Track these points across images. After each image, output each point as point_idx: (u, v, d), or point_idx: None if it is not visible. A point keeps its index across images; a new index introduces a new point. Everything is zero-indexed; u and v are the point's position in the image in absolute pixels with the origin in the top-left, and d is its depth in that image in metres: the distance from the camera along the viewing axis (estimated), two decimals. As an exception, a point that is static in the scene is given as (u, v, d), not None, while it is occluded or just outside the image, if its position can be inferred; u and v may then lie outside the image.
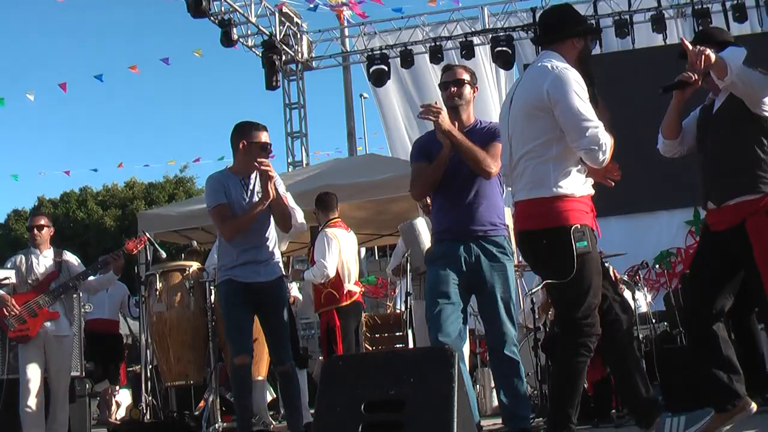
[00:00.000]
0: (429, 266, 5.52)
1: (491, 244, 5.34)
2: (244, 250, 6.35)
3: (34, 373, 7.64)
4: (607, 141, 4.45)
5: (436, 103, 5.23)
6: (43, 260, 7.97)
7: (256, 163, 6.19)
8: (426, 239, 6.97)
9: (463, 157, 5.23)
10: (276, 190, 6.27)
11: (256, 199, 6.33)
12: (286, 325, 6.50)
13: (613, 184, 4.85)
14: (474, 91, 5.66)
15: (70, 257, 8.16)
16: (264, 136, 6.43)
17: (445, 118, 5.17)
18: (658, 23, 15.19)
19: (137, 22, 72.50)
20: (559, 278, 4.52)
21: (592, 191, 4.71)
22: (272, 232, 6.55)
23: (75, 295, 8.28)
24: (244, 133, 6.41)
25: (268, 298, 6.39)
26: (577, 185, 4.57)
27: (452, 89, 5.52)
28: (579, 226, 4.49)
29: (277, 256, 6.56)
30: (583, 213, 4.55)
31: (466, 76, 5.58)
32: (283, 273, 6.59)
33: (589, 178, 4.70)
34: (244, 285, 6.32)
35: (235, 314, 6.34)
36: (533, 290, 8.87)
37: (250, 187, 6.40)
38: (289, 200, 6.99)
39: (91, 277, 8.04)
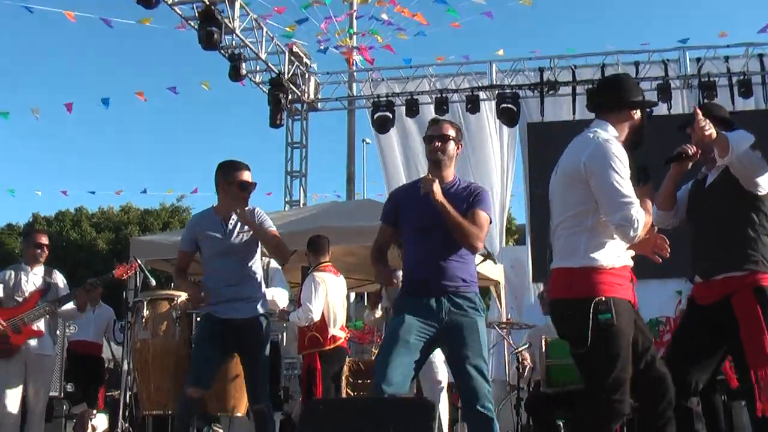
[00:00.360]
0: (396, 315, 5.42)
1: (462, 299, 5.28)
2: (226, 287, 6.39)
3: (12, 390, 7.60)
4: (640, 218, 4.38)
5: (429, 175, 5.20)
6: (33, 277, 7.96)
7: (235, 212, 6.33)
8: None
9: (450, 230, 5.21)
10: (263, 229, 6.40)
11: (233, 238, 6.46)
12: (264, 364, 6.47)
13: (661, 260, 4.84)
14: (458, 148, 5.58)
15: (59, 278, 8.14)
16: (245, 175, 6.47)
17: (438, 191, 5.12)
18: (664, 92, 15.26)
19: (147, 49, 72.83)
20: (577, 349, 4.50)
21: (629, 263, 4.63)
22: (258, 269, 6.59)
23: (69, 321, 8.27)
24: (224, 172, 6.49)
25: (248, 335, 6.41)
26: (611, 257, 4.50)
27: (436, 144, 5.48)
28: (603, 299, 4.41)
29: (260, 294, 6.58)
30: (615, 285, 4.48)
31: (451, 132, 5.52)
32: (265, 311, 6.57)
33: (629, 251, 4.62)
34: (222, 320, 6.38)
35: (204, 347, 6.42)
36: (519, 349, 8.88)
37: (229, 227, 6.47)
38: (277, 283, 7.15)
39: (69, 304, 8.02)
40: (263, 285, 6.71)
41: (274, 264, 7.92)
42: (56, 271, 8.23)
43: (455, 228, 5.19)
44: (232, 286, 6.41)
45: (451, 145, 5.50)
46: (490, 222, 5.45)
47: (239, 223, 6.44)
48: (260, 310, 6.50)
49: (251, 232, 6.43)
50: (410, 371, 5.16)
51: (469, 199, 5.39)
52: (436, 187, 5.12)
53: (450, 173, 5.54)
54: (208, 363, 6.37)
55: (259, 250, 6.61)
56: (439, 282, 5.27)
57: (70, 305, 8.00)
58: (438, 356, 7.64)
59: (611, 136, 4.59)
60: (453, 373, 5.33)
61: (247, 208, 6.49)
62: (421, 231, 5.38)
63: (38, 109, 16.64)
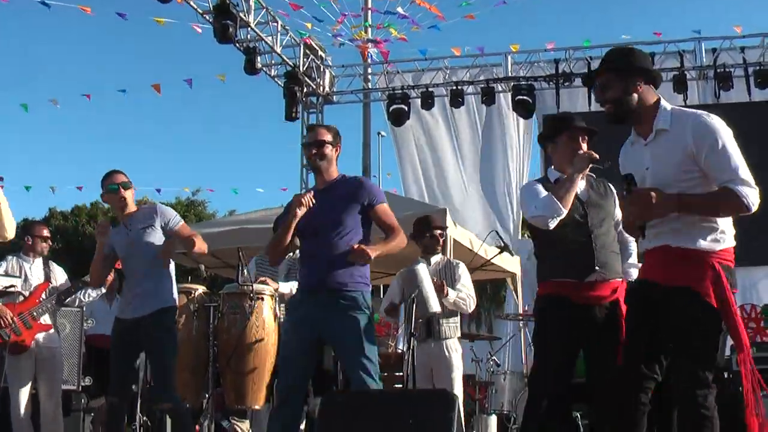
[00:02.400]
0: (287, 315, 5.90)
1: (345, 299, 5.48)
2: (129, 286, 6.72)
3: (24, 387, 7.60)
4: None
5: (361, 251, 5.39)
6: (36, 269, 7.96)
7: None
8: (428, 285, 6.96)
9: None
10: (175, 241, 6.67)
11: (129, 239, 6.67)
12: (166, 361, 6.51)
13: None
14: (337, 150, 5.89)
15: (56, 268, 8.16)
16: (111, 180, 6.75)
17: (371, 254, 5.37)
18: (680, 84, 15.21)
19: (162, 43, 72.92)
20: None
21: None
22: (160, 266, 6.69)
23: (77, 309, 8.27)
24: (101, 184, 6.83)
25: (145, 332, 6.51)
26: None
27: (313, 150, 5.77)
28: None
29: (160, 289, 6.66)
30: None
31: (327, 137, 5.81)
32: (167, 306, 6.66)
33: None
34: (121, 321, 6.64)
35: (113, 353, 6.65)
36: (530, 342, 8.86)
37: (128, 228, 6.72)
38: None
39: (94, 292, 8.06)
40: (167, 280, 6.79)
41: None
42: (52, 262, 8.25)
43: (391, 252, 5.59)
44: (134, 285, 6.64)
45: (328, 149, 5.81)
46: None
47: (137, 223, 6.69)
48: (158, 305, 6.58)
49: (149, 229, 6.64)
50: (308, 371, 5.57)
51: (362, 197, 5.67)
52: (370, 252, 5.36)
53: (333, 172, 5.86)
54: (119, 369, 6.58)
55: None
56: (323, 281, 5.51)
57: (95, 294, 8.06)
58: (454, 347, 7.67)
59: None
60: (342, 367, 5.75)
61: (142, 208, 6.87)
62: (312, 231, 5.63)
63: (56, 100, 16.70)
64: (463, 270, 7.83)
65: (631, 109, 4.45)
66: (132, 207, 6.80)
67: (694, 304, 4.19)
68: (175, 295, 6.80)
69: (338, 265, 5.48)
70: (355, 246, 5.35)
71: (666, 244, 4.30)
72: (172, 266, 6.81)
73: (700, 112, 4.44)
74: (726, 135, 4.28)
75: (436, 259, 7.87)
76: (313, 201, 5.56)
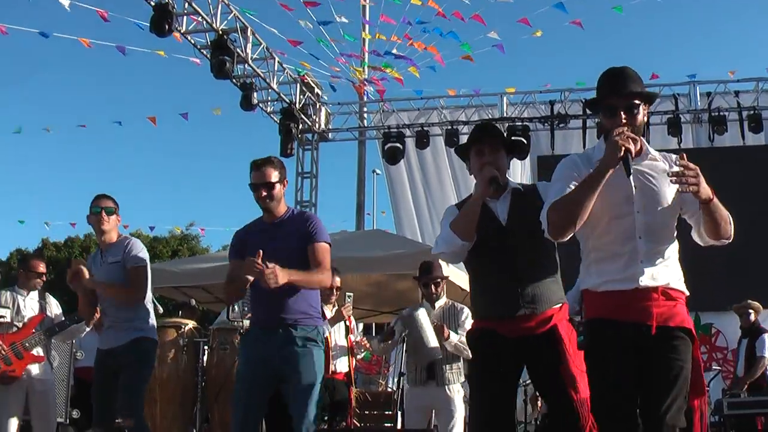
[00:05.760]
0: (241, 350, 5.83)
1: (300, 331, 5.45)
2: (105, 316, 6.64)
3: (12, 415, 7.54)
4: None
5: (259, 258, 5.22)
6: (30, 302, 7.92)
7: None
8: (429, 329, 6.96)
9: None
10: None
11: (104, 268, 6.59)
12: (133, 381, 6.41)
13: None
14: (284, 185, 5.75)
15: (52, 301, 8.12)
16: (99, 202, 6.67)
17: (279, 279, 5.20)
18: (674, 127, 15.27)
19: (160, 76, 73.08)
20: None
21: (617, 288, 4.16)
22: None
23: (68, 341, 8.22)
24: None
25: (122, 359, 6.40)
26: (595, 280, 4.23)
27: (263, 193, 5.63)
28: (584, 321, 4.28)
29: (136, 319, 6.53)
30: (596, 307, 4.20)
31: (274, 176, 5.64)
32: (144, 335, 6.53)
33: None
34: (102, 351, 6.56)
35: (95, 385, 6.55)
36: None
37: (104, 257, 6.67)
38: None
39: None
40: (142, 311, 6.65)
41: None
42: (49, 294, 8.21)
43: (309, 286, 5.49)
44: (108, 315, 6.57)
45: (277, 188, 5.66)
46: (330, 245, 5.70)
47: (110, 255, 6.61)
48: (134, 335, 6.47)
49: (119, 264, 6.55)
50: (261, 409, 5.50)
51: (305, 232, 5.60)
52: (280, 278, 5.21)
53: (281, 208, 5.72)
54: (98, 399, 6.48)
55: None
56: (277, 315, 5.47)
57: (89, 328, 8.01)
58: (456, 390, 7.60)
59: (577, 153, 4.48)
60: (288, 401, 5.46)
61: (120, 240, 6.68)
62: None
63: (50, 128, 16.75)
64: (467, 315, 7.72)
65: None
66: (112, 236, 6.72)
67: (689, 344, 4.14)
68: (152, 324, 6.66)
69: (291, 300, 5.45)
70: (271, 266, 5.17)
71: (662, 285, 4.18)
72: (149, 296, 6.70)
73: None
74: None
75: (440, 303, 7.81)
76: (259, 266, 5.31)
